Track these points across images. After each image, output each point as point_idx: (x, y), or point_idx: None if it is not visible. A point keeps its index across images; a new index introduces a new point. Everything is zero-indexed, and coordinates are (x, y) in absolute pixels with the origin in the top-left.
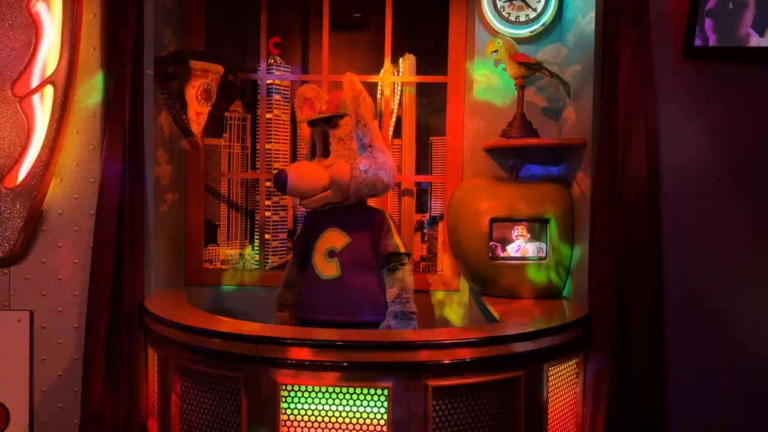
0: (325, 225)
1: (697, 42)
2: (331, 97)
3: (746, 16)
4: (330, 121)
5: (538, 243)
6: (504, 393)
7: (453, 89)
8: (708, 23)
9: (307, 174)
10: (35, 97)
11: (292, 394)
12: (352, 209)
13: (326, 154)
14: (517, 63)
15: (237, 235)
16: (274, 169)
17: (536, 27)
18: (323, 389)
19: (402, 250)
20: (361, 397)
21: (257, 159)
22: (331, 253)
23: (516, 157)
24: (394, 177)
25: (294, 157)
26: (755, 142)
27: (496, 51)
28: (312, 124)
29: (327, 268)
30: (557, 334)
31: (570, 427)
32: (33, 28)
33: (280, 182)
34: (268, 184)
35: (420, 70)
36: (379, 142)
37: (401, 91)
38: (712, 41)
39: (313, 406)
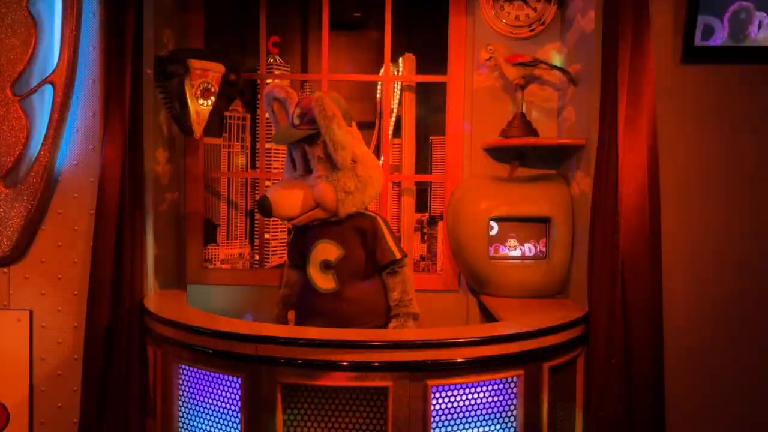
0: (317, 236)
1: (697, 41)
2: (303, 107)
3: (747, 15)
4: (306, 139)
5: (537, 242)
6: (503, 392)
7: (453, 88)
8: (708, 22)
9: (291, 198)
10: (35, 97)
11: (292, 393)
12: (342, 220)
13: (307, 167)
14: (514, 65)
15: (237, 235)
16: (274, 168)
17: (536, 26)
18: (323, 389)
19: (398, 256)
20: (361, 396)
21: (257, 158)
22: (327, 265)
23: (516, 156)
24: (382, 186)
25: None
26: (755, 142)
27: (490, 58)
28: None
29: (324, 281)
30: (557, 333)
31: (569, 426)
32: (32, 28)
33: (265, 209)
34: (267, 183)
35: (420, 69)
36: (361, 152)
37: (401, 90)
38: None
39: (312, 406)
